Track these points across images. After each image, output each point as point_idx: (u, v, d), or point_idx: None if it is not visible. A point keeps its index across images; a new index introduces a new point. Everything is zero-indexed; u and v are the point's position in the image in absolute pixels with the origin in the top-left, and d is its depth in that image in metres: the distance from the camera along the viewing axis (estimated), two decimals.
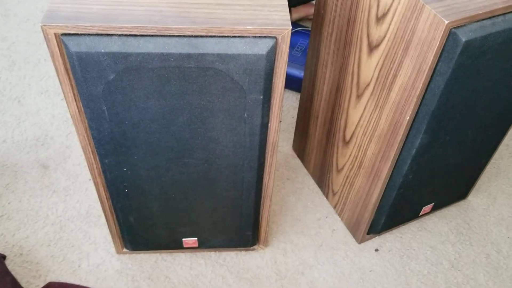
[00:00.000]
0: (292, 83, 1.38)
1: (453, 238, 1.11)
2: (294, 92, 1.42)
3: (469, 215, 1.16)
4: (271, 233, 1.09)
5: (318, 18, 0.96)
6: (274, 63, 0.68)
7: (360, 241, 1.08)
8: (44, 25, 0.62)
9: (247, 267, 1.03)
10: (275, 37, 0.65)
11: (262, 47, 0.65)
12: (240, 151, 0.79)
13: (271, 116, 0.76)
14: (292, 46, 1.42)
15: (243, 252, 1.06)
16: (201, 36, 0.64)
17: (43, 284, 0.98)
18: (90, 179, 1.17)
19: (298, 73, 1.36)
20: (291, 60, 1.38)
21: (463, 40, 0.68)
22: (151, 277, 1.00)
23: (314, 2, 1.44)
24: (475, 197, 1.19)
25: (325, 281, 1.02)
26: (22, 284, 0.97)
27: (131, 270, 1.01)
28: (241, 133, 0.76)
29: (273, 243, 1.08)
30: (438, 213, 1.15)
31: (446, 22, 0.66)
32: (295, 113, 1.36)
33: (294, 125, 1.32)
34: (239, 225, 0.96)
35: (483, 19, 0.70)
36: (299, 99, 1.32)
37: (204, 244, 1.01)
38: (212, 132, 0.76)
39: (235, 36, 0.64)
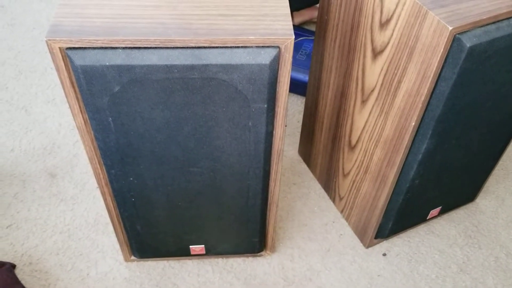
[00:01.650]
0: (297, 87, 1.38)
1: (461, 242, 1.10)
2: (299, 96, 1.42)
3: (477, 218, 1.15)
4: (278, 239, 1.09)
5: (322, 23, 0.96)
6: (277, 72, 0.68)
7: (368, 245, 1.08)
8: (49, 40, 0.62)
9: (254, 274, 1.03)
10: (278, 47, 0.65)
11: (265, 57, 0.65)
12: (245, 159, 0.79)
13: (276, 124, 0.76)
14: (296, 50, 1.42)
15: (250, 259, 1.06)
16: (204, 47, 0.64)
17: None
18: (97, 187, 1.17)
19: (303, 77, 1.36)
20: (296, 64, 1.38)
21: (468, 45, 0.68)
22: (159, 284, 1.01)
23: (318, 5, 1.44)
24: (483, 200, 1.18)
25: (333, 286, 1.02)
26: None
27: (139, 278, 1.02)
28: (246, 141, 0.76)
29: (280, 249, 1.08)
30: (446, 217, 1.15)
31: (450, 28, 0.66)
32: (300, 117, 1.36)
33: (299, 130, 1.32)
34: (246, 231, 0.96)
35: (487, 24, 0.70)
36: (304, 103, 1.32)
37: (211, 251, 1.02)
38: (217, 141, 0.76)
39: (238, 47, 0.65)
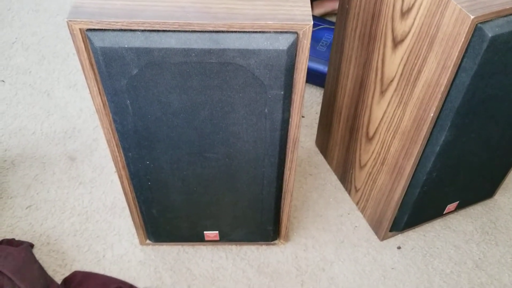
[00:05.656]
0: (316, 78, 1.37)
1: (478, 238, 1.09)
2: (318, 88, 1.41)
3: (495, 214, 1.13)
4: (292, 229, 1.10)
5: (342, 13, 0.96)
6: (295, 58, 0.68)
7: (382, 238, 1.07)
8: (70, 21, 0.63)
9: (267, 262, 1.04)
10: (296, 33, 0.65)
11: (283, 43, 0.65)
12: (261, 147, 0.80)
13: (292, 112, 0.76)
14: (316, 41, 1.41)
15: (264, 247, 1.06)
16: (222, 32, 0.64)
17: (68, 273, 1.01)
18: (115, 172, 1.19)
19: (322, 68, 1.35)
20: (316, 55, 1.37)
21: (489, 35, 0.66)
22: (173, 268, 1.02)
23: None
24: (502, 196, 1.16)
25: (346, 277, 1.02)
26: (49, 272, 1.00)
27: (154, 262, 1.03)
28: (261, 128, 0.76)
29: (294, 238, 1.08)
30: (463, 212, 1.13)
31: (472, 17, 0.65)
32: (318, 108, 1.35)
33: (317, 121, 1.32)
34: (260, 219, 0.97)
35: (511, 14, 0.68)
36: (323, 94, 1.31)
37: (225, 238, 1.02)
38: (233, 127, 0.76)
39: (256, 32, 0.64)
